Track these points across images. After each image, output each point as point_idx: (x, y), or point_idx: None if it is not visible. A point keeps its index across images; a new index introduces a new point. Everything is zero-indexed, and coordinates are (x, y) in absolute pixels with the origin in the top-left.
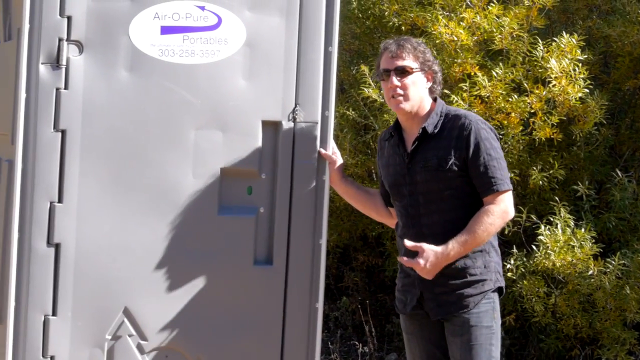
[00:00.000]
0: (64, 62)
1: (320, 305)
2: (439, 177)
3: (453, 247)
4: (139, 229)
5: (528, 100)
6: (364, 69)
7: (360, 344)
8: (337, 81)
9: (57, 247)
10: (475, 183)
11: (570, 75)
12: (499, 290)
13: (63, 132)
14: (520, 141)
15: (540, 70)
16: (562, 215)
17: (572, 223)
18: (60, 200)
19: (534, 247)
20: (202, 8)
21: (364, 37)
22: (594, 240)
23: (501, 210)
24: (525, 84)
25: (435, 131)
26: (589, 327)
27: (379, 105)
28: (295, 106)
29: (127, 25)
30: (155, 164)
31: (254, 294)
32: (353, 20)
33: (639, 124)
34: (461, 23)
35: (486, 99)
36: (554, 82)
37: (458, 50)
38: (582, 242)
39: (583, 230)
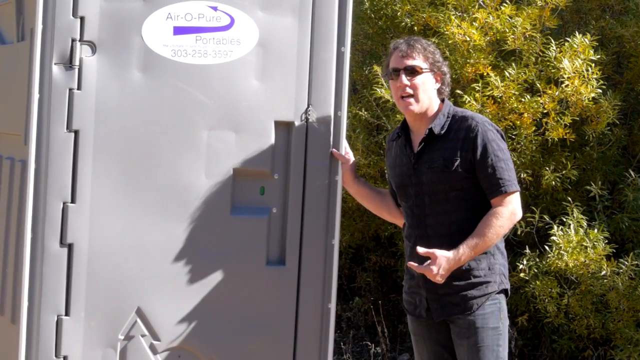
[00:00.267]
0: (77, 62)
1: (332, 305)
2: (445, 178)
3: (464, 251)
4: (151, 229)
5: (541, 101)
6: (377, 69)
7: (373, 344)
8: (350, 81)
9: (70, 247)
10: (483, 185)
11: (583, 76)
12: (504, 292)
13: (76, 132)
14: (533, 141)
15: (553, 71)
16: (574, 215)
17: (585, 223)
18: (73, 201)
19: (546, 247)
20: (215, 8)
21: (377, 37)
22: (606, 241)
23: (509, 212)
24: (538, 84)
25: (442, 132)
26: (602, 327)
27: (392, 105)
28: (308, 106)
29: (140, 26)
30: (167, 164)
31: (267, 295)
32: (365, 20)
33: None
34: (474, 23)
35: (499, 100)
36: (566, 83)
37: (471, 50)
38: (595, 243)
39: (596, 230)
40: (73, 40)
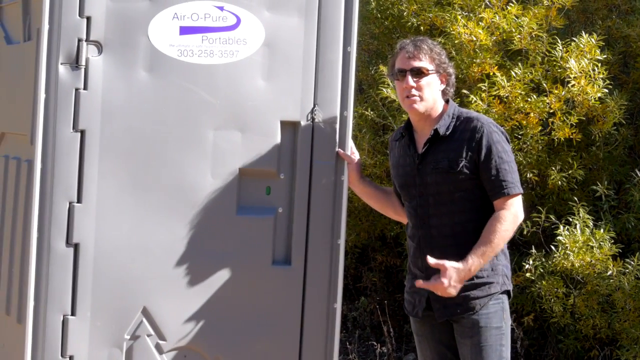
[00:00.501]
0: (83, 62)
1: (338, 305)
2: (450, 179)
3: (473, 261)
4: (157, 229)
5: (547, 100)
6: (383, 69)
7: (379, 344)
8: (356, 81)
9: (76, 247)
10: (486, 186)
11: (590, 75)
12: (507, 293)
13: (82, 132)
14: (539, 141)
15: (559, 70)
16: (581, 215)
17: (591, 223)
18: (79, 201)
19: (552, 247)
20: (221, 8)
21: (383, 37)
22: (613, 241)
23: (512, 215)
24: (544, 84)
25: (447, 133)
26: (608, 327)
27: (398, 105)
28: (314, 106)
29: (146, 26)
30: (174, 164)
31: (273, 294)
32: (372, 20)
33: None
34: (480, 23)
35: (505, 99)
36: (573, 82)
37: (477, 50)
38: (601, 243)
39: (602, 230)
40: (79, 40)
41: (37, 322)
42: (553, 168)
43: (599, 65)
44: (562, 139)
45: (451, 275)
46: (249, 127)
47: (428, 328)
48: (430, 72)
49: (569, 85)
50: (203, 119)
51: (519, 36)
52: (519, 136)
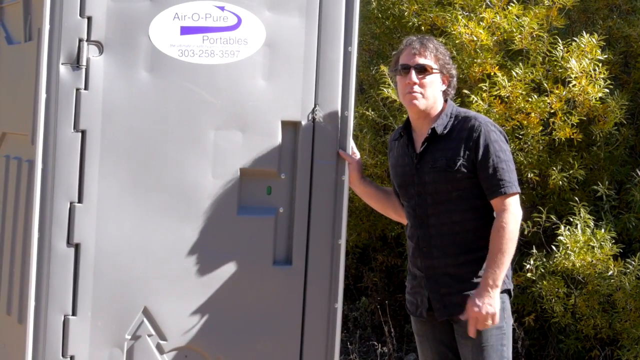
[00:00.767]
0: (84, 62)
1: (339, 305)
2: (448, 178)
3: (489, 274)
4: (158, 229)
5: (548, 100)
6: (384, 69)
7: (379, 345)
8: (357, 81)
9: (77, 247)
10: (484, 185)
11: (591, 75)
12: (507, 292)
13: (83, 132)
14: (540, 141)
15: (560, 70)
16: (582, 215)
17: (592, 223)
18: (80, 201)
19: (553, 247)
20: (222, 8)
21: (384, 37)
22: (613, 241)
23: (512, 215)
24: (545, 84)
25: (445, 132)
26: (609, 327)
27: (399, 105)
28: (315, 106)
29: (147, 26)
30: (174, 164)
31: (274, 294)
32: (372, 20)
33: None
34: (481, 23)
35: (506, 99)
36: (574, 82)
37: (478, 50)
38: (602, 243)
39: (603, 230)
40: (80, 40)
41: (38, 322)
42: (554, 168)
43: (600, 65)
44: (563, 139)
45: (474, 305)
46: (249, 127)
47: (429, 328)
48: (434, 70)
49: (570, 85)
50: (204, 119)
51: (519, 36)
52: (520, 136)
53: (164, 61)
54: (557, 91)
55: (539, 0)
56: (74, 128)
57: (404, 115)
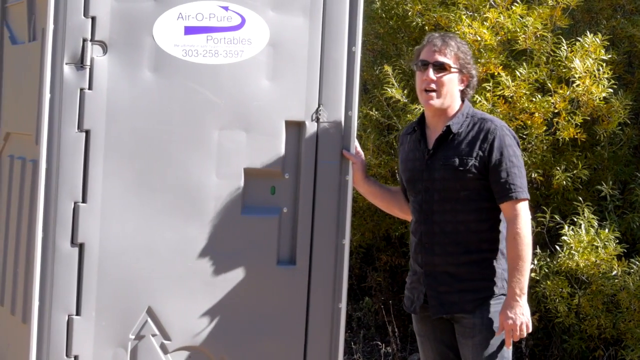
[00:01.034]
0: (88, 62)
1: (343, 305)
2: (458, 176)
3: (515, 284)
4: (162, 228)
5: (552, 100)
6: (388, 69)
7: (383, 344)
8: (361, 81)
9: (81, 247)
10: (494, 188)
11: (594, 75)
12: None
13: (87, 132)
14: (544, 141)
15: (564, 70)
16: (585, 215)
17: (596, 223)
18: (84, 201)
19: (557, 247)
20: (226, 8)
21: (388, 37)
22: (617, 241)
23: (524, 221)
24: (549, 84)
25: (460, 131)
26: (613, 327)
27: (402, 105)
28: (319, 106)
29: (151, 26)
30: (178, 164)
31: (277, 294)
32: (376, 20)
33: None
34: (485, 23)
35: (510, 99)
36: (577, 82)
37: (482, 50)
38: (606, 243)
39: (607, 230)
40: (84, 40)
41: (42, 322)
42: (558, 168)
43: (604, 65)
44: (567, 138)
45: (507, 318)
46: (253, 127)
47: (429, 328)
48: (452, 69)
49: (574, 85)
50: (208, 119)
51: (523, 36)
52: (524, 136)
53: (168, 61)
54: (561, 91)
55: (542, 0)
56: (78, 128)
57: (408, 116)
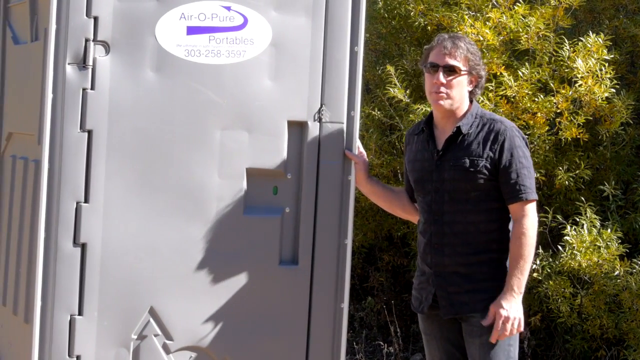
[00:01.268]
0: (90, 62)
1: (345, 305)
2: (468, 177)
3: (513, 281)
4: (164, 229)
5: (554, 100)
6: (390, 69)
7: (386, 344)
8: (363, 81)
9: (84, 247)
10: (504, 189)
11: (597, 75)
12: None
13: (89, 132)
14: (546, 141)
15: (566, 70)
16: (588, 215)
17: (598, 223)
18: (86, 200)
19: (559, 247)
20: (228, 8)
21: (390, 37)
22: (620, 241)
23: (531, 221)
24: (551, 84)
25: (470, 132)
26: (615, 327)
27: (405, 105)
28: (321, 106)
29: (154, 26)
30: (181, 164)
31: (280, 294)
32: (379, 20)
33: None
34: (487, 23)
35: (512, 99)
36: (580, 82)
37: (484, 50)
38: (608, 243)
39: (609, 230)
40: (87, 40)
41: (45, 322)
42: (560, 168)
43: (606, 65)
44: (569, 138)
45: (500, 308)
46: (256, 127)
47: (436, 327)
48: (462, 72)
49: (576, 85)
50: (210, 119)
51: (526, 36)
52: (526, 136)
53: (171, 61)
54: (563, 91)
55: (545, 0)
56: (81, 128)
57: (410, 116)
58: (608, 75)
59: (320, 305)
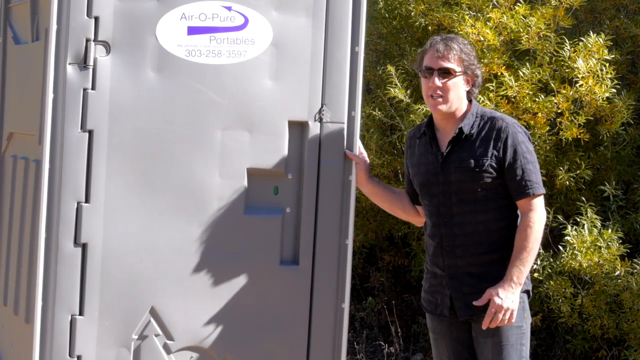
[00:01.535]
0: (91, 62)
1: (346, 305)
2: (475, 177)
3: (513, 271)
4: (165, 229)
5: (555, 100)
6: (391, 69)
7: (386, 345)
8: (364, 81)
9: (84, 247)
10: (510, 185)
11: (598, 75)
12: (526, 292)
13: (90, 132)
14: (547, 141)
15: (567, 70)
16: (588, 215)
17: (599, 223)
18: (87, 201)
19: (560, 247)
20: (229, 8)
21: (391, 37)
22: (620, 241)
23: (539, 215)
24: (552, 84)
25: (472, 132)
26: (616, 328)
27: (405, 105)
28: (322, 106)
29: (154, 26)
30: (181, 164)
31: (280, 295)
32: (379, 20)
33: None
34: (488, 23)
35: (513, 99)
36: (581, 82)
37: (485, 50)
38: (609, 243)
39: (610, 230)
40: (87, 40)
41: (45, 322)
42: (561, 168)
43: (607, 65)
44: (570, 139)
45: (496, 295)
46: (256, 127)
47: (446, 326)
48: (457, 73)
49: (577, 85)
50: (211, 119)
51: (526, 36)
52: None
53: (171, 61)
54: (564, 91)
55: (545, 0)
56: (81, 128)
57: (411, 116)
58: (609, 76)
59: (321, 305)
